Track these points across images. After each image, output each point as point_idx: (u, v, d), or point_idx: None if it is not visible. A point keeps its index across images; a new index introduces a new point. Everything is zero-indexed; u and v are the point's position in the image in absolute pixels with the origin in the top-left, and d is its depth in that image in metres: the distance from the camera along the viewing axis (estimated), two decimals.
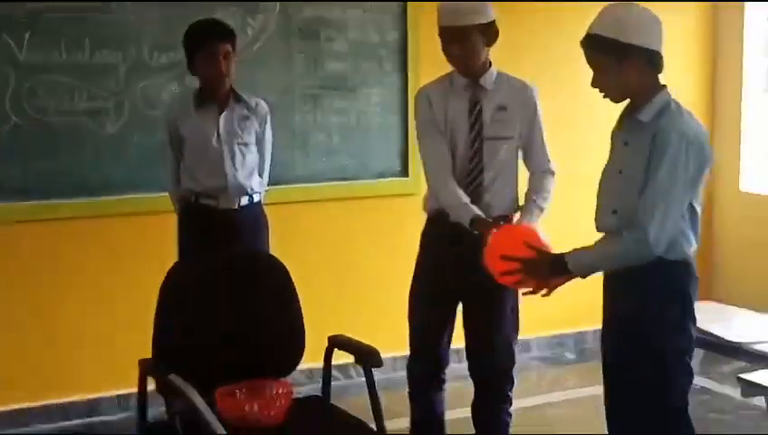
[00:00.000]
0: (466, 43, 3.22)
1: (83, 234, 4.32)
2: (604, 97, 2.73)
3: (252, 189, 3.89)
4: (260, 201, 3.97)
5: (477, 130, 3.31)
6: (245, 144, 3.86)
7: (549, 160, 3.44)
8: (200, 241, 3.78)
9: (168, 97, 4.39)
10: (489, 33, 3.24)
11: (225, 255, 3.33)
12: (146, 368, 2.89)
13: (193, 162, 3.84)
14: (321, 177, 4.79)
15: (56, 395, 4.32)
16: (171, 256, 3.62)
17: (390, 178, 4.98)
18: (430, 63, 4.88)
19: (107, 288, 4.37)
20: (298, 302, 3.13)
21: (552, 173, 3.44)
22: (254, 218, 3.93)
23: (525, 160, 3.45)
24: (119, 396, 4.40)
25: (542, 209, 3.36)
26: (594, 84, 2.70)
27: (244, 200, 3.88)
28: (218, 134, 3.79)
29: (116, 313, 4.34)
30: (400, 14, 4.90)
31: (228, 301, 3.04)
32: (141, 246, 4.32)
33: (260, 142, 3.94)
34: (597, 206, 2.80)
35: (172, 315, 2.94)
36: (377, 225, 4.94)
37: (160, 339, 2.94)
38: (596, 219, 2.79)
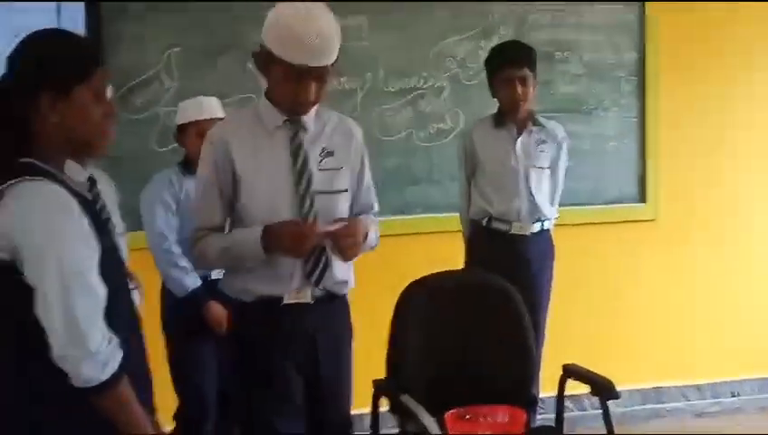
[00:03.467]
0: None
1: None
2: None
3: (544, 216, 3.84)
4: (550, 229, 3.90)
5: None
6: (542, 168, 3.82)
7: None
8: (487, 266, 3.75)
9: (403, 122, 4.46)
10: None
11: (460, 276, 3.31)
12: (379, 387, 2.90)
13: (488, 183, 3.83)
14: None
15: None
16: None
17: (626, 204, 4.81)
18: (669, 85, 4.74)
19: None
20: (531, 329, 3.06)
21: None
22: (543, 246, 3.88)
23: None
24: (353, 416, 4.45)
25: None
26: None
27: (537, 227, 3.83)
28: (515, 157, 3.78)
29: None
30: (638, 33, 4.75)
31: (461, 323, 3.01)
32: (372, 268, 4.36)
33: (554, 168, 3.90)
34: None
35: (405, 335, 2.95)
36: (611, 251, 4.78)
37: (393, 358, 2.95)
38: None
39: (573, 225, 4.65)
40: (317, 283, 2.56)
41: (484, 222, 3.83)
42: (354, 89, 4.44)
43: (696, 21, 4.81)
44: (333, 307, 2.64)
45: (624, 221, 4.79)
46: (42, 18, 3.84)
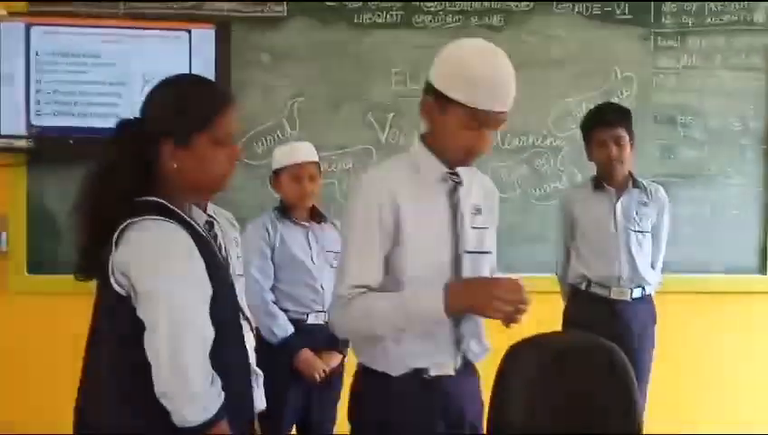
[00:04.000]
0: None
1: None
2: None
3: (646, 281, 3.78)
4: (651, 294, 3.83)
5: None
6: (642, 232, 3.76)
7: None
8: (586, 331, 3.70)
9: (517, 179, 4.47)
10: None
11: (568, 341, 3.25)
12: None
13: (587, 247, 3.79)
14: (669, 267, 4.58)
15: None
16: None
17: (745, 275, 4.67)
18: None
19: None
20: (638, 401, 2.98)
21: None
22: (645, 312, 3.79)
23: None
24: None
25: None
26: None
27: (638, 292, 3.76)
28: (615, 220, 3.74)
29: None
30: (764, 100, 4.65)
31: (565, 390, 2.94)
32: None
33: (657, 231, 3.84)
34: None
35: (507, 399, 2.91)
36: (728, 322, 4.64)
37: (493, 422, 2.91)
38: None
39: (690, 292, 4.54)
40: (466, 351, 2.34)
41: (584, 286, 3.77)
42: None
43: None
44: (473, 380, 2.39)
45: (742, 292, 4.64)
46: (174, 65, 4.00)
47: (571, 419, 2.92)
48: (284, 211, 3.58)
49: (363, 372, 2.33)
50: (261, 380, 2.70)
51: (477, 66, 2.16)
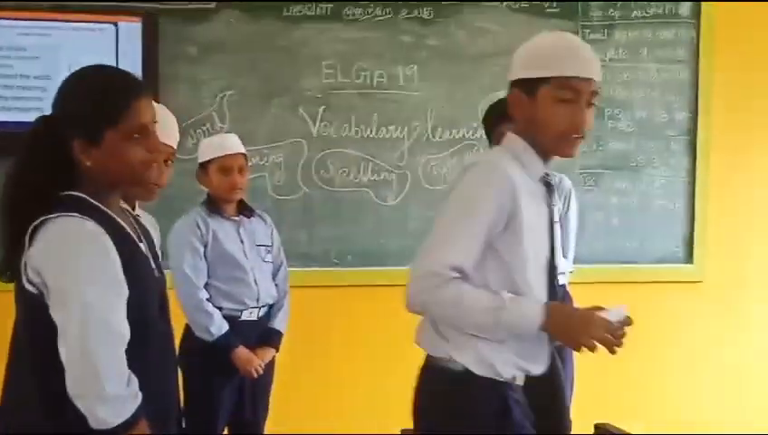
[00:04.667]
0: None
1: (357, 301, 4.45)
2: None
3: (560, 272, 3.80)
4: (565, 284, 3.81)
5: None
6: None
7: None
8: None
9: (447, 171, 4.49)
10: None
11: None
12: None
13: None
14: (597, 258, 4.65)
15: None
16: None
17: (673, 265, 4.76)
18: (720, 145, 4.70)
19: (371, 355, 4.46)
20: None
21: None
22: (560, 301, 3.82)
23: None
24: None
25: None
26: None
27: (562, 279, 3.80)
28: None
29: (386, 382, 4.38)
30: (690, 94, 4.73)
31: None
32: (414, 318, 4.35)
33: (565, 221, 3.84)
34: None
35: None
36: (656, 312, 4.72)
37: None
38: None
39: (618, 282, 4.60)
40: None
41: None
42: (401, 138, 4.47)
43: (750, 81, 4.78)
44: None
45: (670, 282, 4.73)
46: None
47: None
48: (213, 206, 3.53)
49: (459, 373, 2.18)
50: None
51: (554, 42, 2.17)
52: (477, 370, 2.14)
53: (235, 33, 4.32)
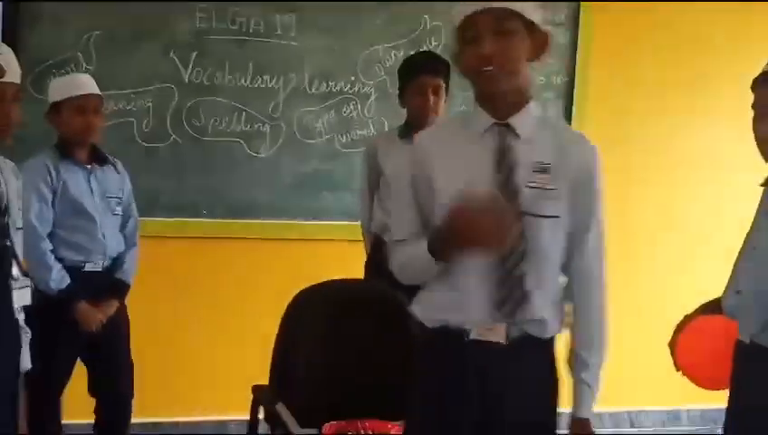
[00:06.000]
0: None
1: (228, 253, 4.36)
2: None
3: None
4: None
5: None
6: None
7: None
8: (388, 279, 3.66)
9: (323, 125, 4.40)
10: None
11: (358, 287, 3.23)
12: (257, 395, 2.85)
13: (389, 198, 3.74)
14: None
15: (185, 413, 4.34)
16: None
17: None
18: (598, 110, 4.74)
19: (240, 310, 4.37)
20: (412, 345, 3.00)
21: None
22: None
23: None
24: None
25: None
26: None
27: None
28: None
29: (246, 336, 4.31)
30: (568, 57, 4.75)
31: (346, 334, 2.92)
32: (282, 272, 4.29)
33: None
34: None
35: (289, 345, 2.88)
36: None
37: (276, 367, 2.88)
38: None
39: None
40: (509, 316, 2.11)
41: (386, 236, 3.76)
42: (277, 88, 4.36)
43: (629, 50, 4.82)
44: (533, 358, 2.17)
45: None
46: None
47: (354, 370, 2.92)
48: (65, 150, 3.38)
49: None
50: (28, 338, 2.52)
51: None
52: (423, 319, 2.21)
53: None
